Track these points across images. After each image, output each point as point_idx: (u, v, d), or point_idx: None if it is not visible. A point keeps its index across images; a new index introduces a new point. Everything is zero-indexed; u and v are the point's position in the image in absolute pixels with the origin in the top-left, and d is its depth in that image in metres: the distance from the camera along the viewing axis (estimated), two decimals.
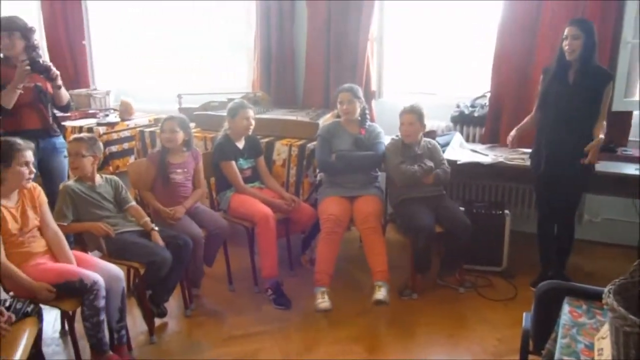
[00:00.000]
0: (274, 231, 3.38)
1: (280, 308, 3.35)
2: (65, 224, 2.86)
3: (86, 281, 2.51)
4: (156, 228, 3.09)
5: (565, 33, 3.16)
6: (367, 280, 3.40)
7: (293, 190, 3.81)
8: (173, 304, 3.30)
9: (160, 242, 3.01)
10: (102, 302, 2.55)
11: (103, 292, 2.55)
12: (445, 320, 3.22)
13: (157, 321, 3.15)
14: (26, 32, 3.40)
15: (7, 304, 2.37)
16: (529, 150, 3.59)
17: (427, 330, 3.13)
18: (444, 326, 3.16)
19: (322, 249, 3.33)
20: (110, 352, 2.66)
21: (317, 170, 3.80)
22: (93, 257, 2.83)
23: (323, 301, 3.19)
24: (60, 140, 3.66)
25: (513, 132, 3.52)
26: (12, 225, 2.52)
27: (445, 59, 4.53)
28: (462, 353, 2.94)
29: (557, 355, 1.63)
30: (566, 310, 1.88)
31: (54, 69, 3.34)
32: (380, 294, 3.17)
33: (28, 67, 3.21)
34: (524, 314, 2.26)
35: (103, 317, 2.59)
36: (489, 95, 4.19)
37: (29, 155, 2.59)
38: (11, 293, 2.58)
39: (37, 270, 2.54)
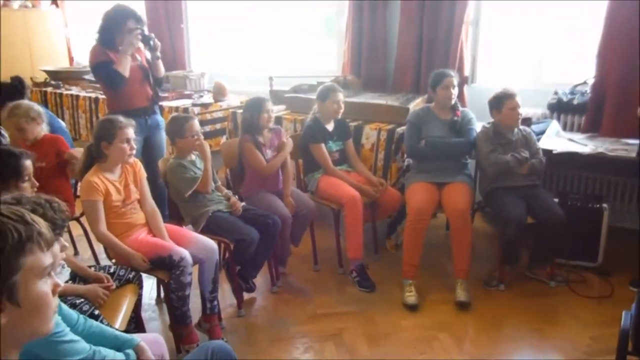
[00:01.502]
0: (360, 213, 3.40)
1: (364, 290, 3.38)
2: (197, 183, 3.03)
3: (175, 257, 2.62)
4: (232, 194, 3.23)
5: None
6: (453, 268, 3.35)
7: (380, 175, 3.80)
8: (260, 280, 3.41)
9: (238, 205, 3.14)
10: (188, 278, 2.66)
11: (190, 269, 2.66)
12: (533, 314, 3.12)
13: (246, 295, 3.27)
14: None
15: (112, 270, 2.55)
16: (633, 142, 3.37)
17: (514, 323, 3.05)
18: (532, 320, 3.06)
19: (408, 239, 3.31)
20: (192, 327, 2.77)
21: (405, 156, 3.77)
22: (189, 231, 2.96)
23: (410, 295, 3.23)
24: (161, 118, 3.88)
25: None
26: (116, 197, 2.69)
27: (545, 43, 4.32)
28: (552, 349, 2.84)
29: None
30: None
31: (156, 39, 3.65)
32: (461, 295, 3.20)
33: (140, 36, 3.52)
34: (624, 313, 2.16)
35: (188, 292, 2.70)
36: (591, 82, 3.97)
37: (130, 133, 2.73)
38: (113, 260, 2.76)
39: (135, 243, 2.69)
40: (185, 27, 5.84)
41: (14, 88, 3.87)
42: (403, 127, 3.73)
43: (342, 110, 3.65)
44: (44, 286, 1.06)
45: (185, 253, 2.65)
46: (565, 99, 4.06)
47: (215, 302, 2.91)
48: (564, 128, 4.04)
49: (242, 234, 3.01)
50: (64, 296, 2.20)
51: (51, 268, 1.08)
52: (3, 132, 3.74)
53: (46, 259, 1.06)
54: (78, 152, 3.36)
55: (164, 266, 2.64)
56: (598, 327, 2.97)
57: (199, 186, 3.04)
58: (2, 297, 0.99)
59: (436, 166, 3.50)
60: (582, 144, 3.64)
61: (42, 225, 1.07)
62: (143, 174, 2.89)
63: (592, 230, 3.52)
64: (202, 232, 3.03)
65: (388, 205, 3.65)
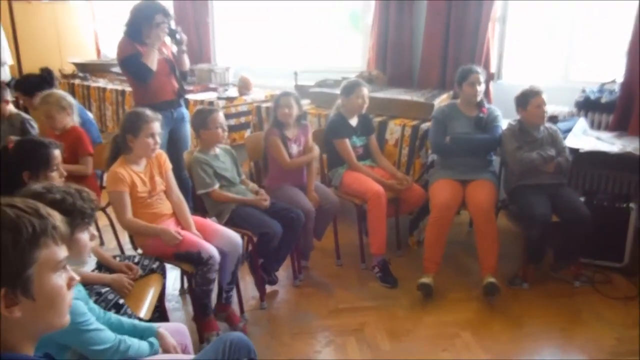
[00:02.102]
0: (384, 209, 3.39)
1: (386, 286, 3.38)
2: (211, 189, 3.05)
3: (203, 254, 2.64)
4: (258, 188, 3.26)
5: None
6: (476, 265, 3.34)
7: (404, 171, 3.79)
8: (283, 273, 3.44)
9: (264, 201, 3.13)
10: (213, 275, 2.69)
11: (216, 267, 2.68)
12: (557, 314, 3.09)
13: (268, 288, 3.29)
14: None
15: (136, 260, 2.58)
16: None
17: (537, 322, 3.02)
18: (555, 319, 3.03)
19: (431, 235, 3.30)
20: (212, 316, 2.81)
21: (430, 152, 3.75)
22: (214, 224, 2.98)
23: (426, 278, 3.21)
24: (186, 111, 3.92)
25: None
26: (142, 188, 2.72)
27: (573, 40, 4.25)
28: (575, 349, 2.80)
29: None
30: None
31: (182, 33, 3.70)
32: (491, 279, 3.15)
33: (167, 30, 3.55)
34: None
35: (212, 287, 2.75)
36: (620, 80, 3.90)
37: (156, 127, 2.75)
38: (139, 251, 2.80)
39: None
40: (211, 21, 5.88)
41: (43, 79, 3.93)
42: (428, 123, 3.72)
43: (366, 105, 3.64)
44: (59, 280, 1.06)
45: (214, 252, 2.67)
46: (593, 97, 4.00)
47: (231, 293, 2.96)
48: (592, 126, 3.98)
49: (265, 228, 3.03)
50: (90, 284, 2.23)
51: (66, 262, 1.08)
52: (33, 123, 3.82)
53: (61, 252, 1.06)
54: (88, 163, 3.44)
55: (192, 261, 2.67)
56: (624, 329, 2.93)
57: (212, 193, 3.07)
58: (17, 290, 0.99)
59: (461, 163, 3.47)
60: (609, 143, 3.58)
61: (57, 219, 1.06)
62: (168, 165, 2.92)
63: (619, 230, 3.46)
64: (226, 224, 3.05)
65: (411, 201, 3.64)
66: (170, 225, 2.78)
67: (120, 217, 2.69)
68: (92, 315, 1.77)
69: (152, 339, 1.90)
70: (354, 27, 5.32)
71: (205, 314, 2.78)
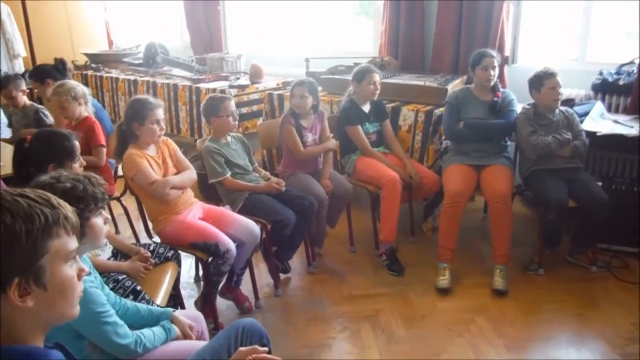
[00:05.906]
0: (399, 195, 3.36)
1: (392, 274, 3.36)
2: (223, 177, 3.05)
3: (221, 247, 2.65)
4: (271, 176, 3.26)
5: None
6: (490, 251, 3.31)
7: (417, 157, 3.77)
8: (296, 261, 3.45)
9: (275, 186, 3.12)
10: (226, 268, 2.71)
11: (231, 261, 2.69)
12: (573, 300, 3.06)
13: (282, 275, 3.30)
14: None
15: (152, 248, 2.60)
16: None
17: (553, 308, 3.00)
18: (572, 305, 3.01)
19: (445, 222, 3.27)
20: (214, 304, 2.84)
21: (443, 138, 3.72)
22: (232, 213, 2.98)
23: (443, 279, 3.20)
24: None
25: None
26: (157, 171, 2.74)
27: (589, 21, 4.17)
28: (592, 335, 2.77)
29: None
30: None
31: None
32: (499, 282, 3.14)
33: None
34: None
35: (223, 278, 2.79)
36: (638, 61, 3.83)
37: (160, 114, 2.76)
38: (155, 239, 2.81)
39: (183, 224, 2.72)
40: (221, 8, 5.85)
41: (56, 68, 3.96)
42: (441, 109, 3.68)
43: (378, 92, 3.60)
44: (70, 270, 1.07)
45: (232, 246, 2.68)
46: (610, 79, 3.93)
47: (241, 277, 2.98)
48: (609, 109, 3.91)
49: (278, 215, 3.03)
50: (107, 272, 2.25)
51: (76, 252, 1.09)
52: (46, 112, 3.85)
53: (72, 243, 1.06)
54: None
55: (208, 253, 2.68)
56: None
57: (225, 181, 3.07)
58: (29, 280, 1.00)
59: (475, 148, 3.44)
60: (627, 126, 3.52)
61: (68, 209, 1.07)
62: (176, 147, 2.93)
63: (636, 215, 3.40)
64: (240, 212, 3.05)
65: (425, 187, 3.60)
66: (195, 209, 2.84)
67: (153, 190, 2.66)
68: (111, 307, 1.78)
69: (169, 325, 1.90)
70: (365, 13, 5.27)
71: (207, 300, 2.83)
